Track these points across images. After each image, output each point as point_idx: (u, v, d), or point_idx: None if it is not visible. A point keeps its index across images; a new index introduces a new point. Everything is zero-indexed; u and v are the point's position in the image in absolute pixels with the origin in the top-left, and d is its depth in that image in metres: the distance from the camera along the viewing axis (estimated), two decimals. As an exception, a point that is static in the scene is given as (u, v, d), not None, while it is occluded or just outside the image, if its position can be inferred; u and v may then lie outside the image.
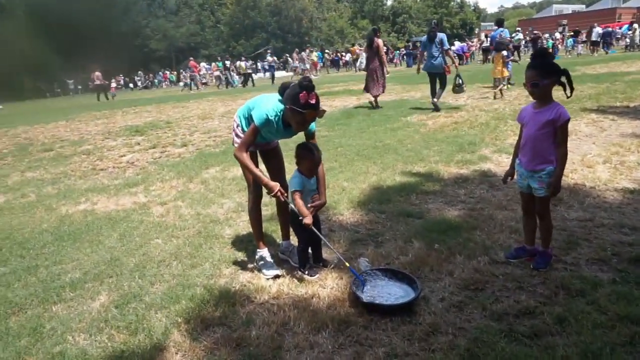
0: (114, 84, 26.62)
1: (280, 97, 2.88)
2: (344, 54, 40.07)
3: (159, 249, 3.60)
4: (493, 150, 5.77)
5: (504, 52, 10.80)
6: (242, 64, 27.39)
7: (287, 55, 38.51)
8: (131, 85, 44.61)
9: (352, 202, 4.33)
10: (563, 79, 2.78)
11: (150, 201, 4.89)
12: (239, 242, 3.64)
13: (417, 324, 2.45)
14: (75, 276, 3.23)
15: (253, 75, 28.33)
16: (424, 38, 9.67)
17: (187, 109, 14.71)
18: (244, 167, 2.95)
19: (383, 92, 10.57)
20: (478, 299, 2.64)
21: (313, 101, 2.68)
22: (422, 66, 9.91)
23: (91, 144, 9.04)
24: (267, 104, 2.86)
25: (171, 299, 2.83)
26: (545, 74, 2.70)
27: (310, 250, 3.18)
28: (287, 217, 3.26)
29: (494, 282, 2.80)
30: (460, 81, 9.66)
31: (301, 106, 2.64)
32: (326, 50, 44.02)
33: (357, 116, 9.68)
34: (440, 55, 9.23)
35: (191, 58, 33.86)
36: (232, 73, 28.61)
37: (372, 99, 10.63)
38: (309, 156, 2.88)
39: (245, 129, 2.98)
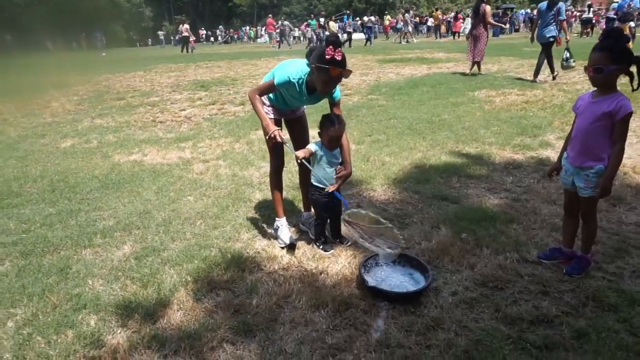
0: (192, 38, 27.36)
1: (307, 62, 2.78)
2: (427, 18, 38.05)
3: (189, 206, 3.72)
4: (559, 137, 5.24)
5: (631, 24, 9.63)
6: (333, 24, 26.58)
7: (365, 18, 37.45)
8: (212, 39, 45.81)
9: (388, 179, 4.17)
10: (633, 69, 2.39)
11: (194, 158, 5.05)
12: (265, 208, 3.65)
13: (420, 315, 2.34)
14: (108, 224, 3.44)
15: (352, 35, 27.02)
16: (543, 5, 9.00)
17: (255, 67, 14.87)
18: (255, 108, 2.87)
19: (481, 59, 10.34)
20: (494, 298, 2.46)
21: (339, 57, 2.58)
22: (535, 35, 9.25)
23: (158, 96, 9.47)
24: (292, 67, 2.78)
25: (186, 257, 2.92)
26: (614, 58, 2.32)
27: (329, 226, 3.12)
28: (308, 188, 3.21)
29: (517, 282, 2.59)
30: (568, 54, 8.80)
31: (325, 61, 2.55)
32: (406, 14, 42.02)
33: (422, 87, 9.22)
34: (554, 23, 8.71)
35: (270, 15, 34.01)
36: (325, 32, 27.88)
37: (471, 65, 10.51)
38: (330, 127, 2.76)
39: (270, 95, 2.96)
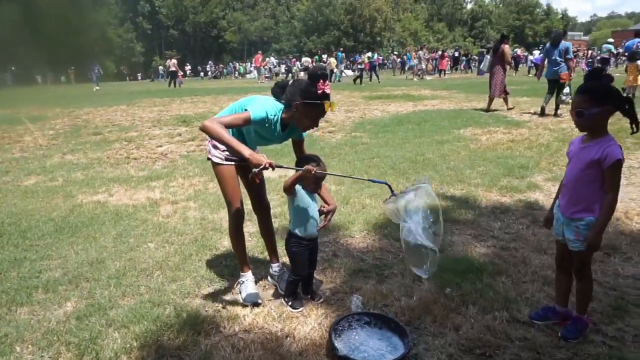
0: (180, 72, 27.47)
1: (276, 98, 2.59)
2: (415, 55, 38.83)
3: (148, 254, 3.38)
4: (547, 178, 5.05)
5: (639, 62, 10.45)
6: (332, 60, 26.44)
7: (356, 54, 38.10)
8: (202, 74, 46.17)
9: (368, 224, 3.89)
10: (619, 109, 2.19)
11: (163, 198, 4.73)
12: (232, 257, 3.30)
13: (397, 391, 2.01)
14: (54, 276, 3.08)
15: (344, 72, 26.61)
16: (547, 45, 9.92)
17: (241, 103, 14.77)
18: (218, 138, 2.33)
19: (499, 95, 10.58)
20: (481, 368, 2.14)
21: (328, 90, 2.41)
22: (543, 73, 9.88)
23: (137, 131, 9.19)
24: (267, 102, 2.53)
25: (135, 317, 2.57)
26: (595, 100, 2.12)
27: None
28: (273, 238, 2.93)
29: (507, 347, 2.28)
30: (568, 90, 9.35)
31: (317, 96, 2.39)
32: (394, 52, 43.05)
33: (407, 124, 9.11)
34: (563, 62, 9.27)
35: (259, 52, 34.49)
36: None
37: (489, 101, 10.72)
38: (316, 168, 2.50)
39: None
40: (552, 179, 5.00)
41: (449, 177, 5.14)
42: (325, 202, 2.70)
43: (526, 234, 3.64)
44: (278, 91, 2.62)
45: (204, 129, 2.34)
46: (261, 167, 2.25)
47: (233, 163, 2.61)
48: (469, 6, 73.85)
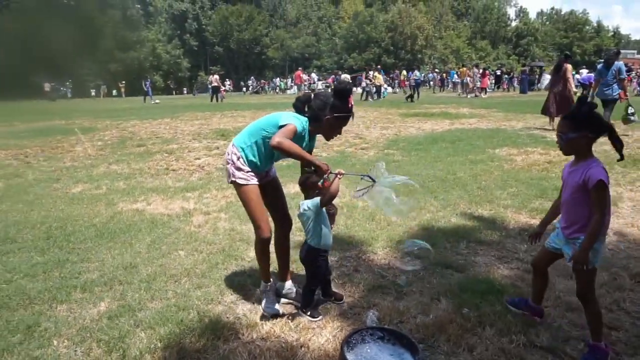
0: (223, 87, 28.40)
1: (297, 112, 2.75)
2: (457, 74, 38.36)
3: (178, 261, 3.57)
4: (581, 201, 4.91)
5: None
6: (379, 75, 26.06)
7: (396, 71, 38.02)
8: (244, 89, 47.50)
9: (392, 241, 3.93)
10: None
11: (197, 209, 4.95)
12: (256, 268, 3.43)
13: (403, 408, 2.04)
14: (91, 277, 3.31)
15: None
16: (600, 66, 9.86)
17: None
18: (293, 153, 2.49)
19: (557, 114, 10.47)
20: (493, 392, 2.14)
21: (352, 103, 2.58)
22: (595, 93, 9.67)
23: (178, 144, 9.62)
24: (296, 116, 2.66)
25: (161, 319, 2.73)
26: (573, 126, 2.23)
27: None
28: (289, 256, 3.02)
29: (522, 373, 2.26)
30: (632, 110, 9.37)
31: (347, 110, 2.69)
32: (436, 70, 42.75)
33: (441, 142, 9.05)
34: (616, 83, 9.22)
35: (300, 68, 35.19)
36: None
37: (549, 120, 10.78)
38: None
39: (251, 158, 2.67)
40: (587, 202, 4.85)
41: (478, 197, 5.09)
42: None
43: (553, 257, 3.56)
44: (300, 105, 2.75)
45: (280, 147, 2.44)
46: (332, 173, 2.57)
47: (257, 182, 2.71)
48: (514, 24, 72.47)
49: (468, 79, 26.31)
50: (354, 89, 26.11)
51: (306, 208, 2.69)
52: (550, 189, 5.33)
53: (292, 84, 40.09)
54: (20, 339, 2.56)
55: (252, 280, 3.27)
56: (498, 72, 35.02)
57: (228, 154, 2.74)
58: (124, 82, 47.21)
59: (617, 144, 2.25)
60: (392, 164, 7.13)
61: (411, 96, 22.50)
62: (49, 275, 3.35)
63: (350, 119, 2.79)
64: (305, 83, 32.23)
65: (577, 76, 29.98)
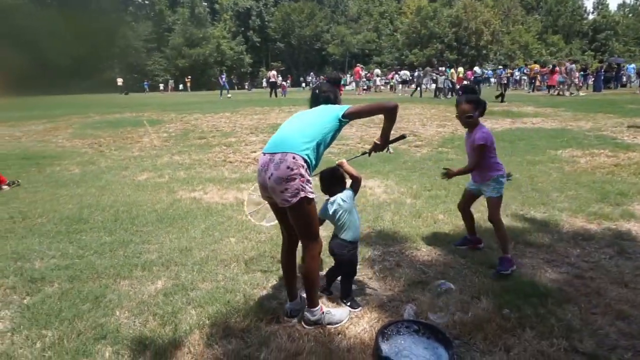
0: (283, 83, 28.93)
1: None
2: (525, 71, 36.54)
3: (228, 247, 3.79)
4: (647, 207, 4.62)
5: None
6: (454, 71, 23.97)
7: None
8: (303, 84, 48.16)
9: (436, 239, 3.93)
10: None
11: (249, 200, 5.19)
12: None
13: (434, 400, 2.09)
14: (151, 258, 3.60)
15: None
16: None
17: (335, 114, 15.24)
18: (369, 111, 2.55)
19: None
20: (526, 393, 2.13)
21: (342, 91, 2.72)
22: None
23: (236, 137, 10.02)
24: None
25: (210, 299, 2.94)
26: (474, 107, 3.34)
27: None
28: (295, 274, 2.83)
29: (559, 377, 2.23)
30: None
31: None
32: (499, 66, 40.97)
33: (499, 142, 8.66)
34: None
35: (359, 65, 35.11)
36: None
37: None
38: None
39: (314, 163, 2.46)
40: (654, 209, 4.56)
41: (531, 199, 4.92)
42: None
43: (608, 264, 3.41)
44: (330, 85, 2.94)
45: (394, 109, 2.52)
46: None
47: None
48: (591, 17, 67.84)
49: (564, 76, 23.90)
50: (423, 86, 25.23)
51: (341, 202, 2.78)
52: (614, 194, 5.04)
53: (351, 80, 40.13)
54: (89, 307, 2.87)
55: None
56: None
57: (291, 168, 2.32)
58: (189, 77, 49.56)
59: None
60: (445, 162, 7.03)
61: (502, 95, 19.65)
62: (114, 254, 3.70)
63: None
64: (364, 80, 32.08)
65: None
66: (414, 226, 4.22)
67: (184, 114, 15.84)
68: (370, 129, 11.18)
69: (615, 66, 31.63)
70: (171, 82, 51.51)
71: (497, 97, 19.81)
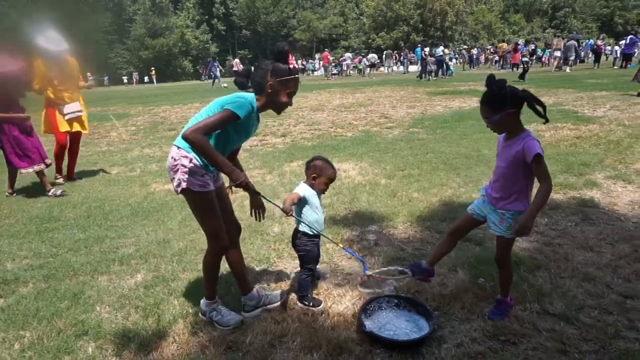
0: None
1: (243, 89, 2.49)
2: (489, 49, 37.24)
3: (207, 237, 3.77)
4: (608, 176, 4.84)
5: None
6: (447, 50, 24.66)
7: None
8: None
9: (412, 216, 4.02)
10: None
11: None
12: (280, 242, 3.63)
13: (417, 367, 2.18)
14: (128, 251, 3.56)
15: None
16: None
17: (305, 99, 15.21)
18: (207, 154, 2.17)
19: None
20: (503, 354, 2.24)
21: (294, 64, 2.50)
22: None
23: (207, 128, 9.88)
24: (240, 95, 2.31)
25: (192, 288, 2.94)
26: (493, 109, 2.30)
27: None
28: (244, 268, 2.79)
29: (533, 337, 2.35)
30: None
31: (290, 72, 2.34)
32: (463, 46, 41.64)
33: (468, 120, 8.95)
34: None
35: (326, 50, 35.05)
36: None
37: None
38: (330, 169, 2.71)
39: (199, 159, 2.30)
40: (615, 177, 4.78)
41: (501, 174, 5.08)
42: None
43: (573, 231, 3.58)
44: (243, 81, 2.49)
45: (191, 141, 2.14)
46: (238, 182, 2.26)
47: (213, 188, 2.44)
48: (550, -5, 69.29)
49: (556, 53, 24.53)
50: (382, 68, 25.64)
51: (302, 193, 2.74)
52: (577, 164, 5.26)
53: (319, 66, 39.99)
54: (68, 305, 2.82)
55: (276, 253, 3.45)
56: (532, 47, 33.69)
57: (174, 159, 2.32)
58: (153, 68, 48.28)
59: (539, 107, 2.29)
60: (416, 142, 7.16)
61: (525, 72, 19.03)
62: (90, 250, 3.63)
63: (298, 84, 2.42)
64: (332, 64, 32.07)
65: (617, 47, 28.53)
66: (390, 205, 4.30)
67: (151, 106, 15.50)
68: (341, 113, 11.22)
69: (575, 42, 32.60)
70: (135, 74, 50.11)
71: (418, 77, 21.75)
